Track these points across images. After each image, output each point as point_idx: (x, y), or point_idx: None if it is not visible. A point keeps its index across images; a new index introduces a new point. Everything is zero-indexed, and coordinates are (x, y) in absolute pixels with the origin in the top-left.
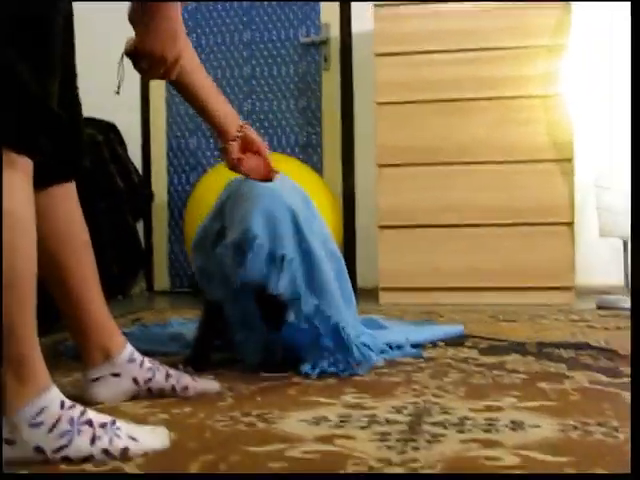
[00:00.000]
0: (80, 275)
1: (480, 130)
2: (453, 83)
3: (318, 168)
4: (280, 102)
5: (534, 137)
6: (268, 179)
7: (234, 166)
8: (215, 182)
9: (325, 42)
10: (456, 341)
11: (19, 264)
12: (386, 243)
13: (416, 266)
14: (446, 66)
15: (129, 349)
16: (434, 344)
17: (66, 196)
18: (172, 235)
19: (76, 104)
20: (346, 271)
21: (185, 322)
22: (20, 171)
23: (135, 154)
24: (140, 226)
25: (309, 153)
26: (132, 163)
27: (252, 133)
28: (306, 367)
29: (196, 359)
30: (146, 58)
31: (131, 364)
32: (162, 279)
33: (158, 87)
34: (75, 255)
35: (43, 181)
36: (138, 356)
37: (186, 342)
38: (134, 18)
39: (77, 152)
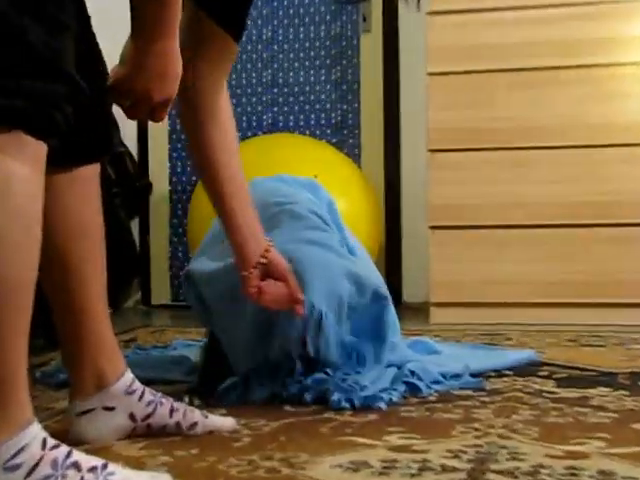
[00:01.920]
0: (90, 281)
1: (560, 107)
2: (526, 48)
3: (354, 154)
4: (308, 72)
5: (629, 115)
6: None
7: (251, 296)
8: None
9: None
10: (527, 370)
11: (13, 273)
12: (439, 248)
13: (477, 276)
14: (517, 27)
15: (128, 377)
16: (499, 373)
17: (89, 181)
18: (174, 236)
19: (102, 78)
20: (392, 311)
21: (191, 343)
22: (24, 156)
23: (129, 135)
24: (135, 225)
25: (344, 136)
26: (125, 147)
27: (277, 257)
28: (337, 397)
29: (205, 388)
30: (129, 94)
31: (129, 397)
32: (162, 290)
33: None
34: (89, 256)
35: (64, 160)
36: (138, 387)
37: (192, 367)
38: (124, 56)
39: (105, 127)
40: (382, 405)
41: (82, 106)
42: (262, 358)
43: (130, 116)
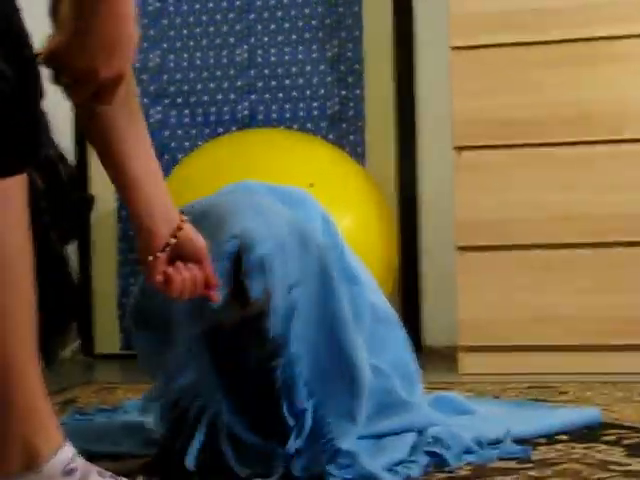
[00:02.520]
0: (15, 329)
1: (622, 88)
2: (577, 13)
3: (358, 155)
4: (296, 48)
5: None
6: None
7: (156, 285)
8: (193, 177)
9: None
10: (588, 434)
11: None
12: (468, 275)
13: (518, 311)
14: None
15: (67, 453)
16: (551, 439)
17: (11, 198)
18: (124, 265)
19: (28, 61)
20: (404, 335)
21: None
22: None
23: (63, 132)
24: (72, 251)
25: (343, 130)
26: (57, 148)
27: (191, 234)
28: (343, 473)
29: (165, 464)
30: (69, 70)
31: (67, 478)
32: (108, 335)
33: None
34: (13, 297)
35: None
36: (81, 464)
37: (148, 437)
38: (57, 9)
39: (31, 123)
40: None
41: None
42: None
43: (72, 99)
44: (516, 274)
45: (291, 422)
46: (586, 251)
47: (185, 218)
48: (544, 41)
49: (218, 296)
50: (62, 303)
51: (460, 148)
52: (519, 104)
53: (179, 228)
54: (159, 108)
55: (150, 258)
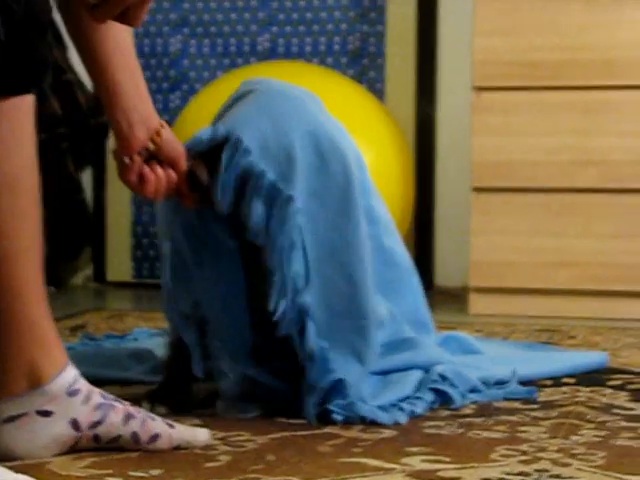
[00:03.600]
0: (20, 252)
1: None
2: None
3: (377, 91)
4: None
5: None
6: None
7: (130, 185)
8: (210, 108)
9: None
10: (594, 378)
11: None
12: (483, 216)
13: (532, 254)
14: None
15: (70, 374)
16: (557, 381)
17: (18, 117)
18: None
19: None
20: (417, 281)
21: (156, 333)
22: None
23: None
24: (87, 177)
25: (364, 66)
26: (75, 73)
27: (170, 141)
28: (338, 407)
29: (170, 391)
30: None
31: (71, 398)
32: (121, 263)
33: None
34: (19, 219)
35: None
36: (84, 386)
37: (156, 364)
38: None
39: (39, 48)
40: (401, 419)
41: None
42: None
43: (97, 18)
44: (530, 217)
45: (301, 357)
46: (604, 196)
47: (164, 124)
48: None
49: (191, 202)
50: (75, 229)
51: (479, 88)
52: (541, 46)
53: (157, 134)
54: (179, 37)
55: (126, 160)
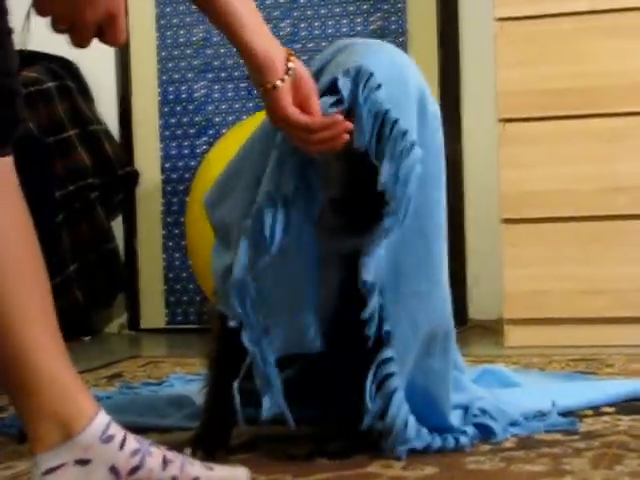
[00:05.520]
0: (21, 310)
1: None
2: None
3: None
4: (339, 22)
5: None
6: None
7: (285, 118)
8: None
9: None
10: (634, 406)
11: None
12: (514, 247)
13: (565, 284)
14: None
15: (103, 420)
16: (598, 411)
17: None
18: (169, 239)
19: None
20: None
21: (193, 378)
22: None
23: (108, 111)
24: (118, 226)
25: None
26: (103, 124)
27: (303, 68)
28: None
29: (210, 435)
30: (57, 17)
31: (106, 445)
32: (154, 310)
33: (144, 1)
34: (13, 279)
35: None
36: (118, 431)
37: (195, 410)
38: None
39: (8, 105)
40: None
41: None
42: None
43: (74, 44)
44: (562, 246)
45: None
46: (634, 222)
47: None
48: (590, 11)
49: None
50: (108, 277)
51: (505, 120)
52: (564, 74)
53: (290, 54)
54: (203, 83)
55: (278, 83)
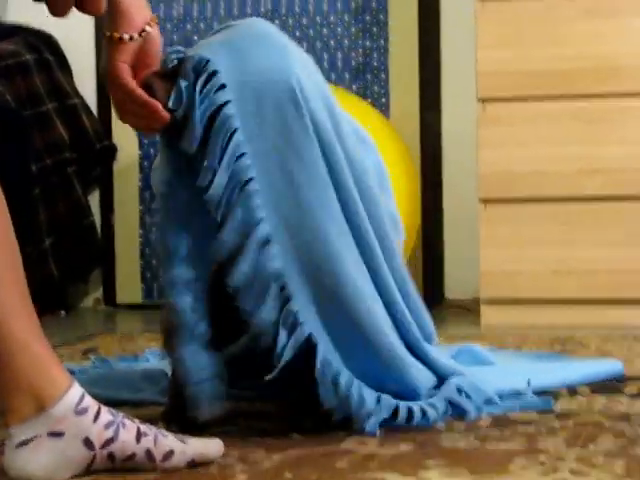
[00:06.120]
0: None
1: None
2: None
3: (382, 106)
4: None
5: None
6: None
7: (117, 75)
8: None
9: None
10: (610, 386)
11: None
12: (492, 227)
13: (541, 264)
14: None
15: (76, 393)
16: (573, 390)
17: None
18: (146, 214)
19: None
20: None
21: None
22: None
23: (87, 85)
24: (95, 200)
25: (367, 81)
26: (81, 98)
27: (157, 39)
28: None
29: (177, 410)
30: None
31: (80, 417)
32: (130, 286)
33: None
34: None
35: None
36: (92, 404)
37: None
38: None
39: None
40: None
41: None
42: None
43: (55, 14)
44: (539, 227)
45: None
46: (611, 204)
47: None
48: None
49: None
50: (84, 252)
51: (484, 100)
52: (544, 56)
53: (153, 20)
54: None
55: (126, 36)
